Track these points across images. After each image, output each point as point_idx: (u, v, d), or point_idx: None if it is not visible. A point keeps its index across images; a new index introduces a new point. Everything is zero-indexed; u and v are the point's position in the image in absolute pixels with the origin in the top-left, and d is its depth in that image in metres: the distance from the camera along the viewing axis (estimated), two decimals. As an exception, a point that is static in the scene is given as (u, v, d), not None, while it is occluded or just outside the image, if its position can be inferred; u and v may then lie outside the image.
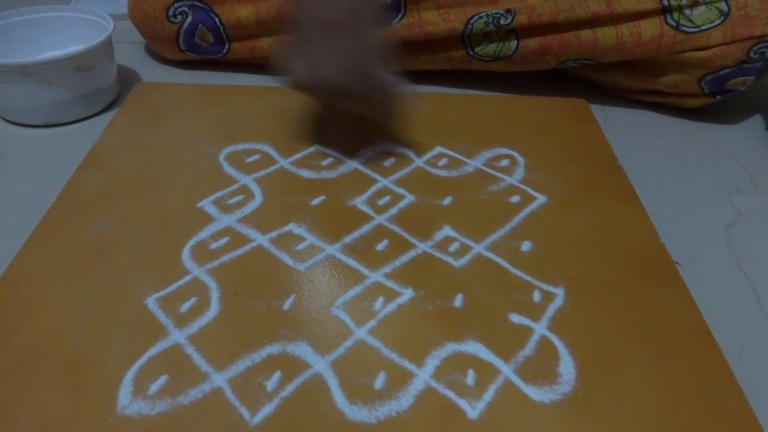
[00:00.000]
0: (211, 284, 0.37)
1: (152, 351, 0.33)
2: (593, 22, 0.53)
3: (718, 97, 0.55)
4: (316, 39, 0.41)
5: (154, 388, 0.31)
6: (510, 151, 0.50)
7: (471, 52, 0.57)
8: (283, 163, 0.47)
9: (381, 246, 0.40)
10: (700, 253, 0.43)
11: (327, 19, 0.40)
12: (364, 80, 0.41)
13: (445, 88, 0.61)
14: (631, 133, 0.56)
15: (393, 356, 0.33)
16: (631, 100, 0.61)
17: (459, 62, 0.59)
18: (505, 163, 0.49)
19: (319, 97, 0.46)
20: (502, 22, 0.54)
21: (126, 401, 0.30)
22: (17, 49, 0.56)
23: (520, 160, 0.49)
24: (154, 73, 0.63)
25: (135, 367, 0.32)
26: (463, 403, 0.31)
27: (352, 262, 0.39)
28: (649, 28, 0.52)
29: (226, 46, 0.61)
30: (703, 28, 0.52)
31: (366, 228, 0.42)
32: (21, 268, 0.37)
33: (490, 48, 0.57)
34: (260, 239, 0.40)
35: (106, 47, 0.55)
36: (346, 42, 0.40)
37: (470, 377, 0.32)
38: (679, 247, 0.43)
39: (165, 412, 0.30)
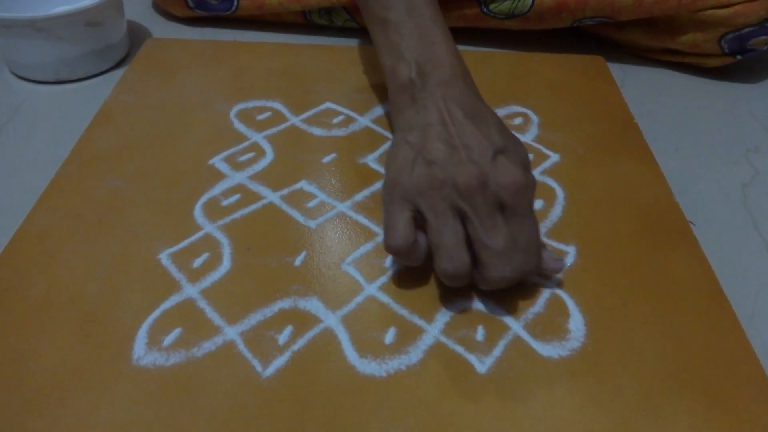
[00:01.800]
0: (223, 240, 0.37)
1: (166, 305, 0.33)
2: (612, -23, 0.52)
3: (739, 56, 0.54)
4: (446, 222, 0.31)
5: (168, 340, 0.31)
6: (524, 109, 0.49)
7: (485, 10, 0.56)
8: (294, 120, 0.47)
9: (392, 204, 0.40)
10: (715, 212, 0.43)
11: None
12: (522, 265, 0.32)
13: (458, 46, 0.59)
14: (648, 92, 0.55)
15: (403, 312, 0.33)
16: (649, 59, 0.59)
17: (473, 20, 0.57)
18: (518, 121, 0.48)
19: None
20: (517, -24, 0.53)
21: (141, 352, 0.31)
22: (27, 4, 0.56)
23: (534, 118, 0.48)
24: (163, 29, 0.62)
25: (149, 320, 0.32)
26: (472, 358, 0.31)
27: (362, 220, 0.39)
28: (670, -17, 0.51)
29: (235, 2, 0.60)
30: (726, -16, 0.50)
31: (377, 186, 0.41)
32: (36, 223, 0.38)
33: (505, 5, 0.55)
34: (271, 196, 0.40)
35: (116, 2, 0.54)
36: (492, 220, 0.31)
37: (480, 333, 0.33)
38: (694, 206, 0.42)
39: (179, 363, 0.30)
